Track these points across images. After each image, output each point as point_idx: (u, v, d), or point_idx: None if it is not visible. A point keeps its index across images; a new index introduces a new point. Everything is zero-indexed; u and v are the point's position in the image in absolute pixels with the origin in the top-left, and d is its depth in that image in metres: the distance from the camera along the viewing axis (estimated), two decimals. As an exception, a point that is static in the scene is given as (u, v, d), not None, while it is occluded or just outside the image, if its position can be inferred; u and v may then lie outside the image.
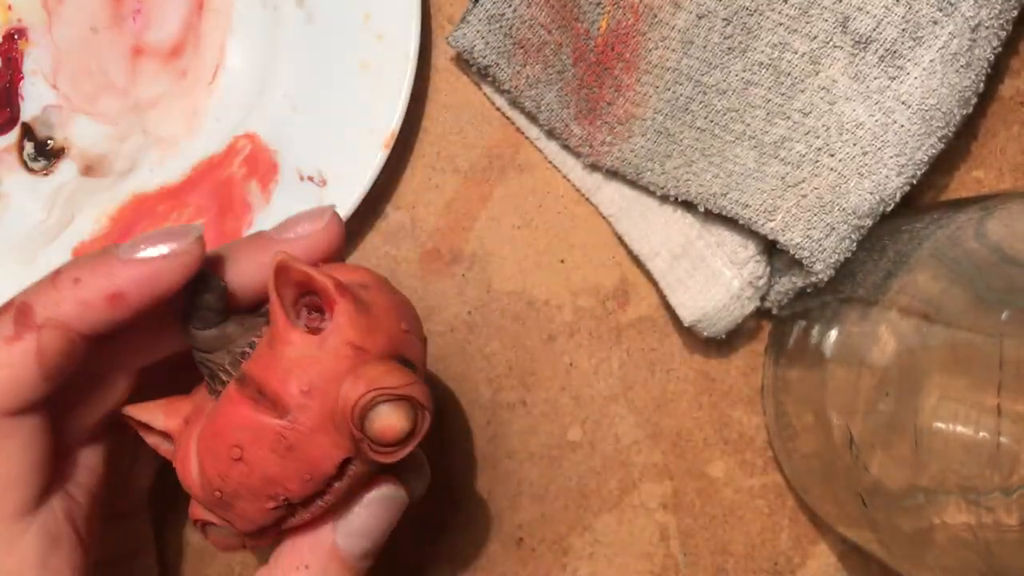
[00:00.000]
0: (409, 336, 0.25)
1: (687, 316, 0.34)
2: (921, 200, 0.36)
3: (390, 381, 0.23)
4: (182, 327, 0.25)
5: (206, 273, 0.24)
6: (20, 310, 0.23)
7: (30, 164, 0.35)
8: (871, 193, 0.31)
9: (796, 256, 0.32)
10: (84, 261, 0.23)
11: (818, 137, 0.32)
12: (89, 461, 0.27)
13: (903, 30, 0.31)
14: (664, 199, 0.35)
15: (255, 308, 0.26)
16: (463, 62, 0.36)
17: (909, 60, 0.31)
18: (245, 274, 0.25)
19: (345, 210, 0.34)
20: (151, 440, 0.26)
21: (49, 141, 0.35)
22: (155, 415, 0.25)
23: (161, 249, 0.23)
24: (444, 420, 0.36)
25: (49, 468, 0.25)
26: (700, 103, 0.33)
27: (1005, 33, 0.31)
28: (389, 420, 0.23)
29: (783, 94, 0.32)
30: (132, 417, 0.26)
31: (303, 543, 0.25)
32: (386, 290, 0.25)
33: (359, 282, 0.25)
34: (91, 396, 0.26)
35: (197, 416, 0.25)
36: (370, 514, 0.25)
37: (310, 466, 0.23)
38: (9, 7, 0.35)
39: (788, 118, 0.32)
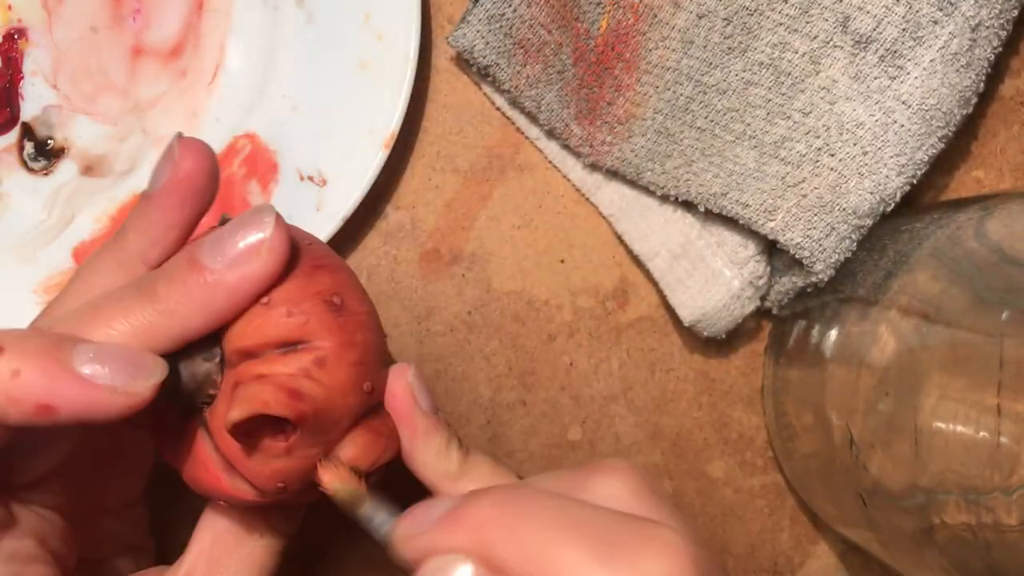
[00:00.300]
0: (372, 389, 0.24)
1: (687, 316, 0.34)
2: (921, 200, 0.36)
3: (364, 467, 0.24)
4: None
5: (176, 371, 0.23)
6: None
7: (30, 164, 0.35)
8: (871, 193, 0.31)
9: (796, 256, 0.32)
10: (34, 349, 0.21)
11: (818, 137, 0.32)
12: (57, 483, 0.26)
13: (903, 30, 0.31)
14: (664, 199, 0.35)
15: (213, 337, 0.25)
16: (463, 62, 0.36)
17: (909, 60, 0.31)
18: (191, 324, 0.23)
19: (345, 210, 0.34)
20: None
21: (49, 141, 0.35)
22: None
23: (115, 379, 0.21)
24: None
25: (2, 504, 0.24)
26: (700, 103, 0.33)
27: (1005, 33, 0.31)
28: (366, 486, 0.24)
29: (783, 94, 0.32)
30: (250, 414, 0.24)
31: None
32: (345, 339, 0.24)
33: (311, 336, 0.23)
34: (41, 439, 0.25)
35: (165, 424, 0.25)
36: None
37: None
38: (9, 7, 0.35)
39: (788, 118, 0.32)
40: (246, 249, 0.23)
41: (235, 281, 0.22)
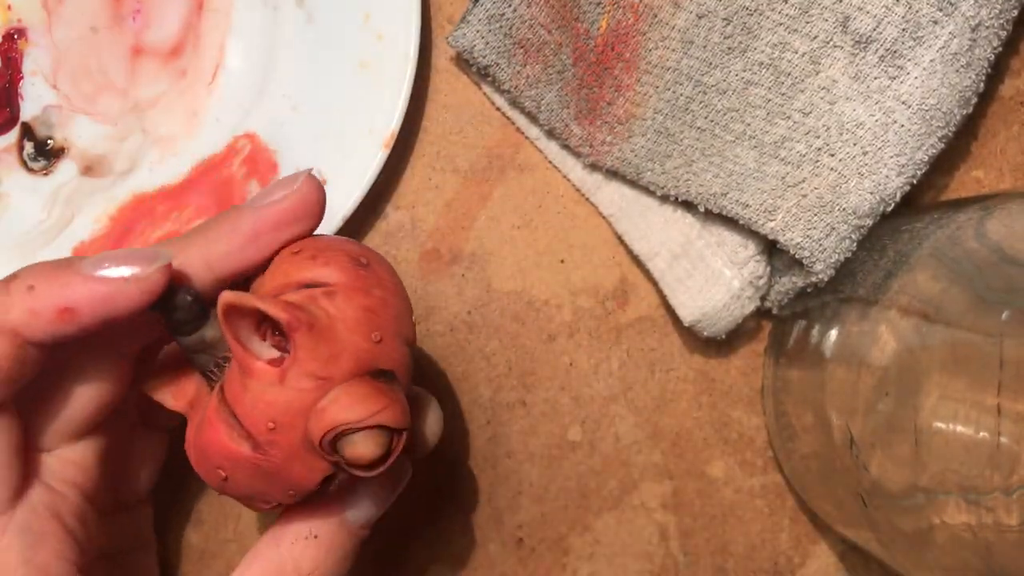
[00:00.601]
0: (383, 346, 0.24)
1: (687, 316, 0.34)
2: (921, 200, 0.36)
3: (354, 415, 0.22)
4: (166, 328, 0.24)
5: (174, 288, 0.24)
6: None
7: (30, 164, 0.35)
8: (871, 193, 0.31)
9: (796, 256, 0.32)
10: (42, 268, 0.23)
11: (818, 137, 0.32)
12: (77, 456, 0.26)
13: (903, 30, 0.31)
14: (664, 199, 0.35)
15: (243, 285, 0.26)
16: (463, 62, 0.36)
17: (909, 60, 0.31)
18: (224, 256, 0.24)
19: (345, 210, 0.34)
20: (168, 413, 0.26)
21: (49, 141, 0.35)
22: (165, 395, 0.25)
23: (123, 271, 0.23)
24: (443, 421, 0.36)
25: (18, 469, 0.24)
26: (700, 103, 0.33)
27: (1005, 33, 0.31)
28: (358, 450, 0.22)
29: (783, 94, 0.32)
30: (149, 396, 0.26)
31: (313, 514, 0.25)
32: (360, 285, 0.24)
33: (329, 278, 0.24)
34: (72, 393, 0.26)
35: (198, 404, 0.25)
36: (379, 487, 0.26)
37: (292, 485, 0.24)
38: (9, 7, 0.35)
39: (788, 118, 0.32)
40: (280, 189, 0.25)
41: (265, 209, 0.24)
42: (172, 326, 0.24)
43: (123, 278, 0.23)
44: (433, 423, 0.28)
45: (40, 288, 0.22)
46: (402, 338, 0.25)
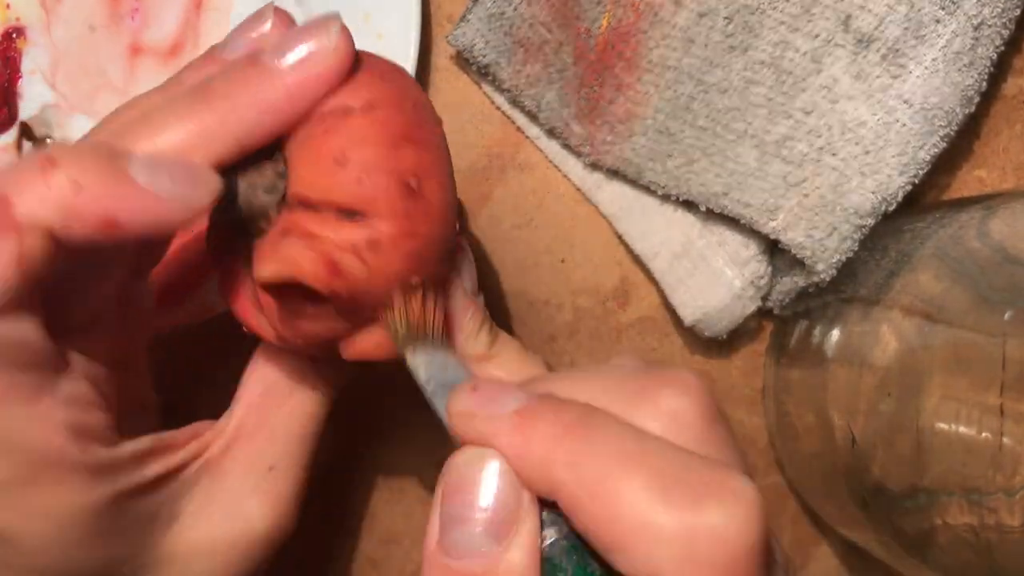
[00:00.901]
0: (433, 268, 0.24)
1: (688, 316, 0.34)
2: (923, 200, 0.36)
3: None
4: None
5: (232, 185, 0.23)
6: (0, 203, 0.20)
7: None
8: (873, 192, 0.31)
9: (798, 256, 0.32)
10: (89, 161, 0.20)
11: (820, 136, 0.32)
12: (100, 327, 0.25)
13: (905, 28, 0.31)
14: (665, 198, 0.34)
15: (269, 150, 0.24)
16: (463, 61, 0.36)
17: (911, 59, 0.31)
18: (252, 131, 0.22)
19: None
20: None
21: (48, 140, 0.35)
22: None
23: (176, 189, 0.21)
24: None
25: (51, 358, 0.22)
26: (701, 102, 0.33)
27: (1008, 32, 0.31)
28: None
29: (785, 93, 0.32)
30: (286, 279, 0.23)
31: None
32: (408, 228, 0.23)
33: (374, 213, 0.22)
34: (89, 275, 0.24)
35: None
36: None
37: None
38: (7, 6, 0.35)
39: (790, 117, 0.32)
40: (310, 52, 0.22)
41: (297, 82, 0.22)
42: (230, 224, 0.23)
43: (172, 198, 0.21)
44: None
45: (86, 188, 0.20)
46: (442, 259, 0.24)
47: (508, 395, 0.21)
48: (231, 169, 0.22)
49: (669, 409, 0.21)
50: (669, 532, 0.18)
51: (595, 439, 0.20)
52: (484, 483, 0.20)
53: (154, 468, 0.24)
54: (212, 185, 0.21)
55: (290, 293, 0.22)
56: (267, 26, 0.24)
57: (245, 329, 0.25)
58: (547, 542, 0.20)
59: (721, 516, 0.18)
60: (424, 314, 0.23)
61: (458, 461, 0.21)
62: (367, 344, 0.23)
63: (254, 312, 0.24)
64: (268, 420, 0.26)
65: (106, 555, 0.23)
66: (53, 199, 0.20)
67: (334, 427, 0.30)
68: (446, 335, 0.25)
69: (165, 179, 0.21)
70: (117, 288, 0.25)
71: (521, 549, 0.19)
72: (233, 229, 0.23)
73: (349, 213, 0.22)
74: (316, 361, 0.27)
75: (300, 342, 0.24)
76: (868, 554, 0.35)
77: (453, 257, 0.25)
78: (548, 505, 0.20)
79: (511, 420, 0.20)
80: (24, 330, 0.21)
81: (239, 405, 0.27)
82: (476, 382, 0.22)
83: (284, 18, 0.24)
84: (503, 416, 0.21)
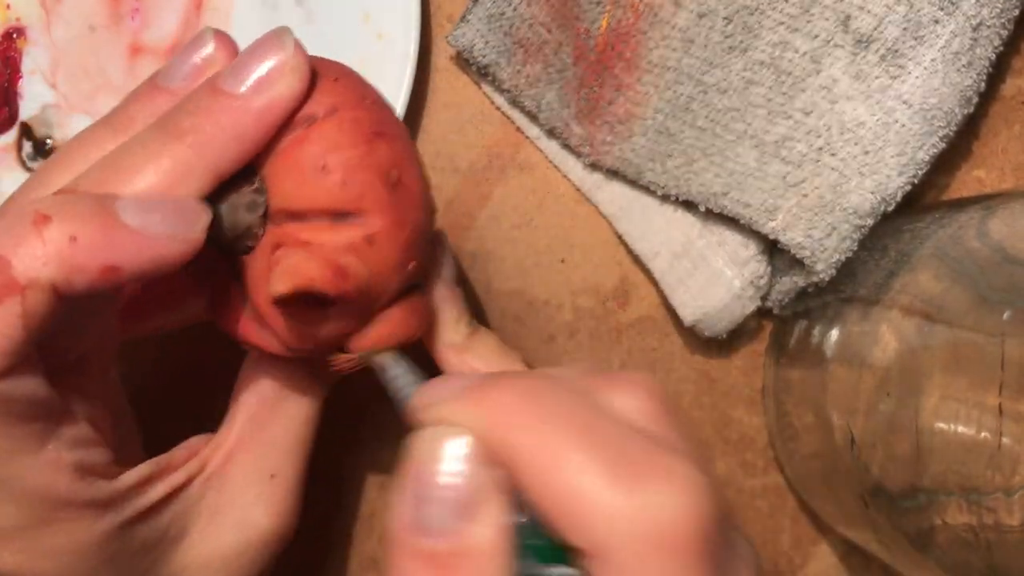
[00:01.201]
0: (422, 254, 0.24)
1: (688, 316, 0.34)
2: (922, 200, 0.36)
3: (390, 345, 0.24)
4: None
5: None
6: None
7: (28, 163, 0.35)
8: (872, 192, 0.31)
9: (797, 256, 0.32)
10: (81, 213, 0.20)
11: (819, 136, 0.32)
12: (92, 363, 0.26)
13: (904, 29, 0.31)
14: (665, 198, 0.35)
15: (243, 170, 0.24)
16: (463, 61, 0.36)
17: (911, 59, 0.31)
18: (230, 163, 0.22)
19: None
20: None
21: (48, 140, 0.35)
22: None
23: (168, 227, 0.21)
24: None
25: (53, 406, 0.23)
26: (701, 102, 0.33)
27: (1007, 32, 0.31)
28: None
29: (784, 93, 0.32)
30: (300, 291, 0.23)
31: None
32: (398, 218, 0.23)
33: (365, 211, 0.23)
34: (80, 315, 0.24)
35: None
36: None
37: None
38: (7, 6, 0.35)
39: (789, 117, 0.32)
40: (269, 72, 0.22)
41: (262, 106, 0.22)
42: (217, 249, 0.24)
43: (169, 236, 0.21)
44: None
45: (84, 240, 0.20)
46: (428, 241, 0.25)
47: (459, 377, 0.22)
48: (210, 196, 0.23)
49: (621, 407, 0.21)
50: (617, 508, 0.18)
51: (550, 406, 0.20)
52: (448, 460, 0.20)
53: (158, 491, 0.25)
54: (203, 216, 0.22)
55: (298, 303, 0.23)
56: (209, 49, 0.24)
57: (243, 346, 0.25)
58: (523, 519, 0.20)
59: (666, 498, 0.18)
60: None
61: (423, 439, 0.21)
62: (379, 335, 0.24)
63: (255, 328, 0.24)
64: (266, 429, 0.27)
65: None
66: (52, 255, 0.20)
67: (334, 427, 0.30)
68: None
69: (156, 219, 0.21)
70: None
71: (489, 526, 0.19)
72: (218, 251, 0.24)
73: (341, 215, 0.23)
74: (311, 364, 0.27)
75: (310, 348, 0.24)
76: (867, 553, 0.35)
77: (432, 245, 0.26)
78: None
79: (464, 393, 0.20)
80: (29, 385, 0.21)
81: (236, 417, 0.27)
82: (432, 380, 0.23)
83: (225, 40, 0.24)
84: (458, 391, 0.21)
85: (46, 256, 0.20)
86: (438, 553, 0.19)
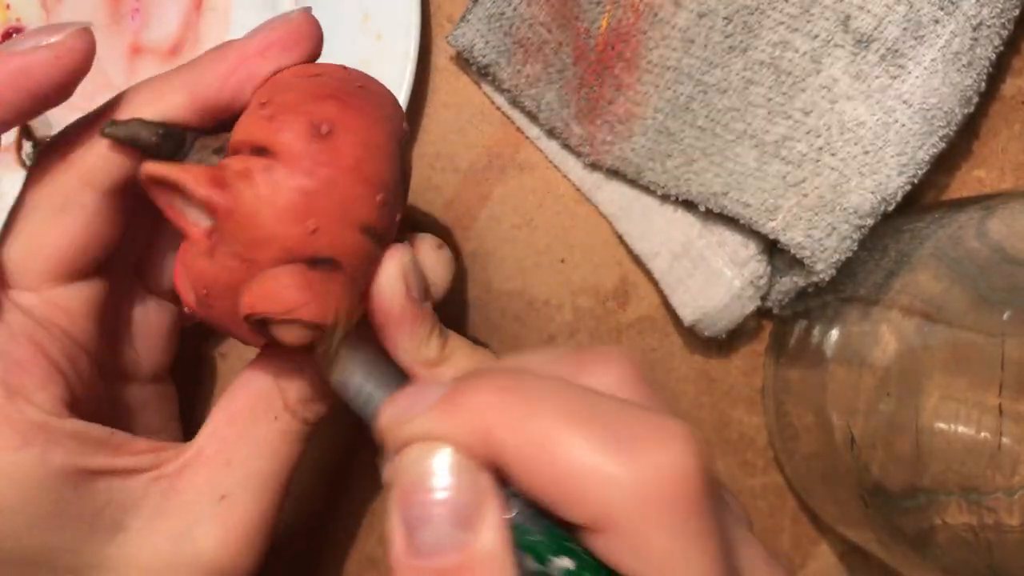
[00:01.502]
0: (320, 235, 0.22)
1: (688, 316, 0.34)
2: (922, 200, 0.36)
3: (270, 307, 0.22)
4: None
5: (139, 123, 0.24)
6: None
7: (28, 164, 0.35)
8: (872, 192, 0.31)
9: (797, 256, 0.32)
10: None
11: (819, 136, 0.32)
12: (63, 300, 0.26)
13: (904, 29, 0.31)
14: (665, 198, 0.35)
15: (229, 123, 0.24)
16: (463, 61, 0.36)
17: (911, 59, 0.31)
18: (208, 86, 0.24)
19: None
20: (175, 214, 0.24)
21: (48, 140, 0.35)
22: (187, 176, 0.23)
23: (39, 42, 0.22)
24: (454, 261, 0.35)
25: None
26: (701, 102, 0.33)
27: (1007, 32, 0.31)
28: (281, 336, 0.22)
29: (784, 93, 0.32)
30: (163, 176, 0.23)
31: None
32: (305, 165, 0.22)
33: (277, 146, 0.22)
34: (49, 229, 0.25)
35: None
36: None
37: (246, 339, 0.24)
38: (7, 6, 0.35)
39: (789, 117, 0.32)
40: (275, 21, 0.25)
41: (253, 37, 0.24)
42: (147, 151, 0.24)
43: (37, 46, 0.22)
44: (436, 266, 0.26)
45: None
46: (355, 223, 0.23)
47: (431, 388, 0.21)
48: (192, 132, 0.24)
49: (599, 383, 0.21)
50: (618, 477, 0.19)
51: (531, 397, 0.20)
52: (437, 476, 0.20)
53: (99, 460, 0.24)
54: (74, 24, 0.23)
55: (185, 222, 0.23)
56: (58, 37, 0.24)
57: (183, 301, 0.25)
58: (513, 513, 0.20)
59: (666, 455, 0.19)
60: (344, 301, 0.23)
61: (406, 461, 0.20)
62: (259, 293, 0.22)
63: (179, 271, 0.24)
64: (227, 448, 0.26)
65: (43, 536, 0.23)
66: None
67: (335, 427, 0.30)
68: (374, 335, 0.24)
69: (29, 40, 0.23)
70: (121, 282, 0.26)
71: (492, 530, 0.19)
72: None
73: (259, 150, 0.22)
74: (285, 389, 0.26)
75: (204, 292, 0.23)
76: (867, 553, 0.35)
77: (383, 240, 0.24)
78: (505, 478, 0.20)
79: (439, 404, 0.20)
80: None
81: (204, 430, 0.27)
82: (395, 393, 0.22)
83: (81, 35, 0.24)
84: (431, 406, 0.20)
85: None
86: (447, 570, 0.19)
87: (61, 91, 0.23)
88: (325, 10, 0.35)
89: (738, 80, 0.32)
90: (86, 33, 0.23)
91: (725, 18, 0.32)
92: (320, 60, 0.36)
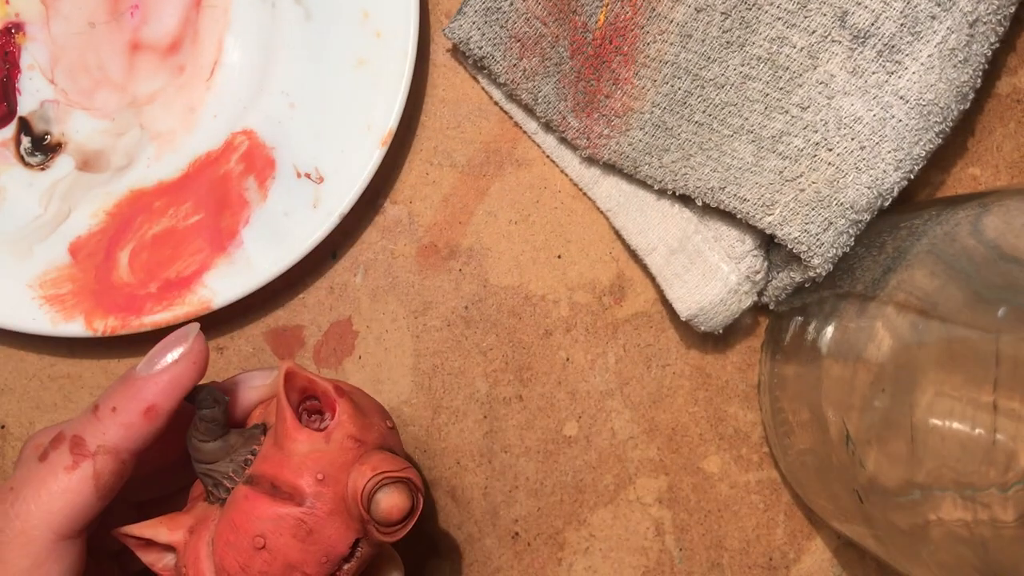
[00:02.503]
0: (392, 432, 0.29)
1: (684, 310, 0.34)
2: (917, 197, 0.36)
3: (390, 466, 0.26)
4: (188, 442, 0.27)
5: (210, 388, 0.28)
6: (74, 442, 0.26)
7: (27, 159, 0.35)
8: (869, 188, 0.31)
9: (794, 251, 0.32)
10: (114, 390, 0.27)
11: (816, 132, 0.32)
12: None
13: (901, 25, 0.31)
14: (662, 193, 0.35)
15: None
16: (460, 54, 0.36)
17: (907, 55, 0.31)
18: (122, 426, 0.27)
19: (342, 208, 0.34)
20: (149, 558, 0.28)
21: (46, 136, 0.35)
22: (158, 530, 0.27)
23: (173, 355, 0.27)
24: (441, 416, 0.37)
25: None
26: (698, 97, 0.33)
27: (1003, 29, 0.31)
28: (393, 500, 0.26)
29: (781, 88, 0.32)
30: (132, 535, 0.27)
31: None
32: (364, 394, 0.29)
33: (344, 388, 0.28)
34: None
35: (203, 524, 0.27)
36: None
37: (327, 548, 0.26)
38: (7, 1, 0.35)
39: (786, 112, 0.32)
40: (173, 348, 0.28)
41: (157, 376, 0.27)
42: (204, 427, 0.27)
43: (175, 361, 0.27)
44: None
45: (122, 405, 0.26)
46: (397, 432, 0.29)
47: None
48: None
49: None
50: None
51: None
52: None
53: None
54: (191, 330, 0.27)
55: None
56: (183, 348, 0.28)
57: None
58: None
59: None
60: None
61: None
62: (378, 459, 0.27)
63: (276, 500, 0.27)
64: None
65: None
66: (106, 427, 0.26)
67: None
68: None
69: (160, 356, 0.27)
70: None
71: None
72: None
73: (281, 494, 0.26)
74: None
75: (322, 479, 0.27)
76: (862, 548, 0.35)
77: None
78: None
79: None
80: (77, 552, 0.26)
81: None
82: None
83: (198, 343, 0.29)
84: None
85: (103, 428, 0.26)
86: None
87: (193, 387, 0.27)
88: (325, 8, 0.35)
89: (735, 75, 0.32)
90: (200, 334, 0.27)
91: (723, 13, 0.32)
92: (319, 58, 0.36)
